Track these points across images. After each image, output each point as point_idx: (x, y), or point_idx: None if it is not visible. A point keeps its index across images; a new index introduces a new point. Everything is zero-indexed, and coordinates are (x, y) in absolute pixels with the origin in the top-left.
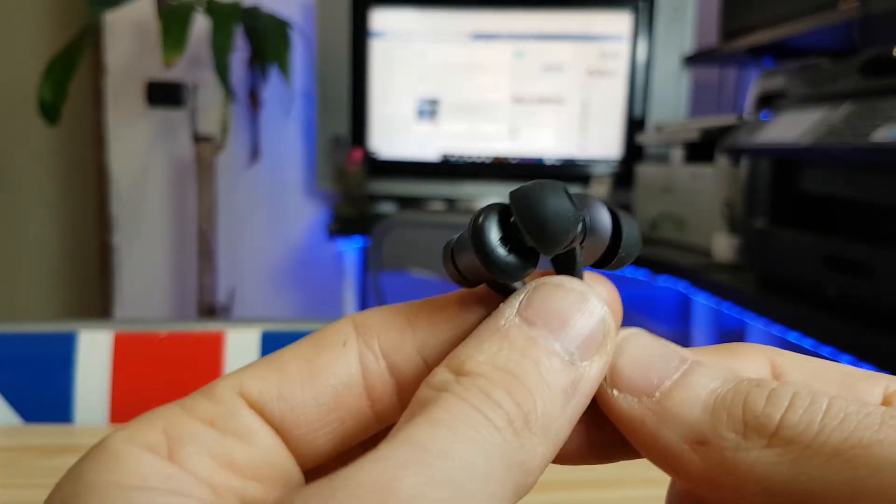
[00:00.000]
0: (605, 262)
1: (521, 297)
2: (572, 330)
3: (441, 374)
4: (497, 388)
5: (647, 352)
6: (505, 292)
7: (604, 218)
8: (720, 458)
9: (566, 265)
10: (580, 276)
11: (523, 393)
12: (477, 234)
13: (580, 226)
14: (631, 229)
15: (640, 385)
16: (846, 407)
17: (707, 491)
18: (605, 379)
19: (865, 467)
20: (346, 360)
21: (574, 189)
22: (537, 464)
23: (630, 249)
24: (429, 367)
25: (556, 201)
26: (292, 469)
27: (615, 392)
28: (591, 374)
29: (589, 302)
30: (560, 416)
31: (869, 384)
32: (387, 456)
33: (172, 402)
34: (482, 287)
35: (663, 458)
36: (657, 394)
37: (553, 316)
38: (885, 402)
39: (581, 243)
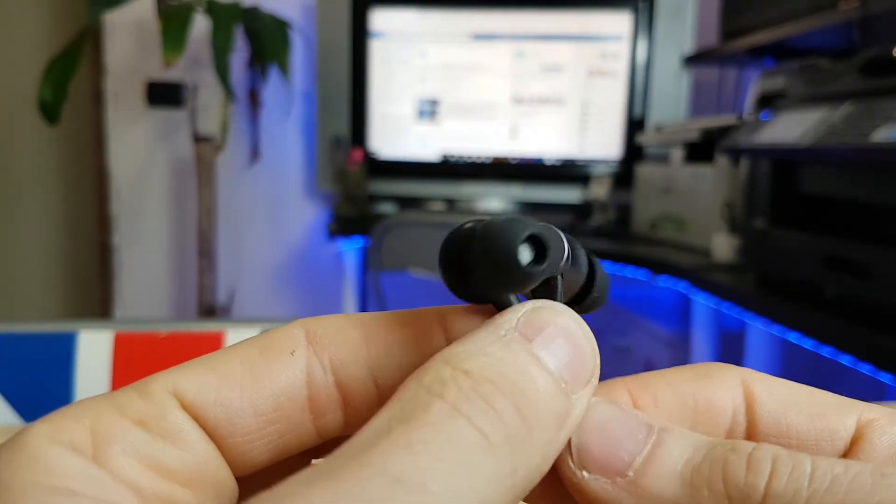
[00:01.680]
0: (574, 304)
1: (518, 314)
2: (567, 358)
3: (437, 368)
4: (502, 397)
5: (612, 425)
6: (499, 306)
7: (581, 256)
8: None
9: (546, 295)
10: None
11: (527, 406)
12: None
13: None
14: (603, 272)
15: (612, 464)
16: (832, 468)
17: None
18: (571, 460)
19: None
20: (293, 371)
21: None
22: (528, 485)
23: (602, 292)
24: (379, 388)
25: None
26: (225, 476)
27: (585, 474)
28: (578, 409)
29: (582, 335)
30: (553, 442)
31: (840, 413)
32: (352, 491)
33: (101, 395)
34: (449, 311)
35: None
36: (630, 472)
37: (551, 341)
38: (858, 431)
39: (562, 275)
